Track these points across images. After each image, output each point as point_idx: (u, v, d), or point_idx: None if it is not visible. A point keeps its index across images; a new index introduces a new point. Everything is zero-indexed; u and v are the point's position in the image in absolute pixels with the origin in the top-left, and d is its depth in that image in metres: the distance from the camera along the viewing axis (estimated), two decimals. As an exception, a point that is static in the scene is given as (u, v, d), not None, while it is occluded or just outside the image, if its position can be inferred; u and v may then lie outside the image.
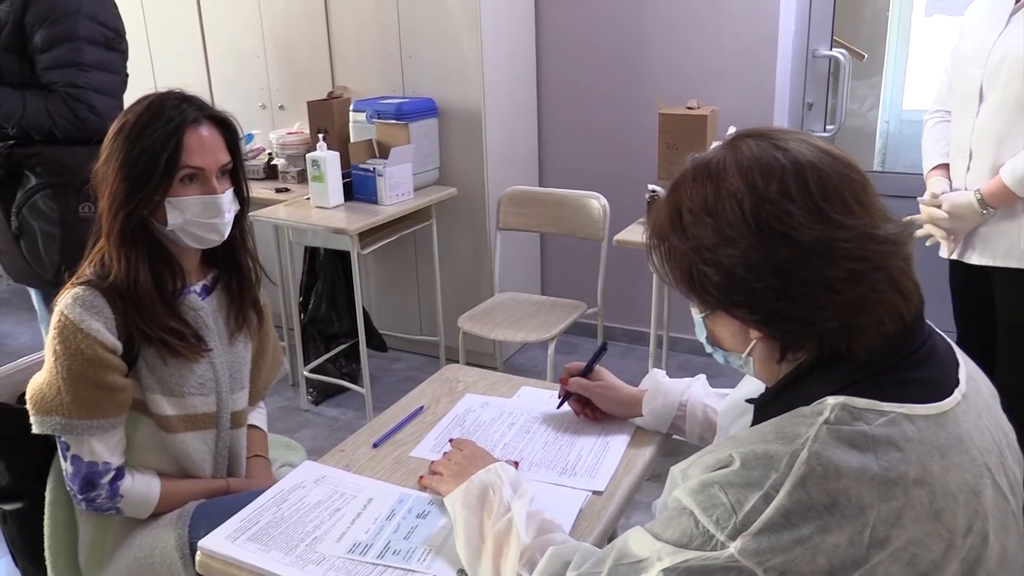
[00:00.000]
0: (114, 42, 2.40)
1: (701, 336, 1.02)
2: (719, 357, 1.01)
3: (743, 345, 0.94)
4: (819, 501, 0.78)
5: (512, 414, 1.54)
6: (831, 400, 0.84)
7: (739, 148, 0.89)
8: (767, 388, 0.98)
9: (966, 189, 2.08)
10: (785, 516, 0.79)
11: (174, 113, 1.40)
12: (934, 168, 2.21)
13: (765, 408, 0.95)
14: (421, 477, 1.33)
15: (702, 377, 1.47)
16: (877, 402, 0.83)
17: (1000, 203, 2.00)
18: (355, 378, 3.43)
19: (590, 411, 1.51)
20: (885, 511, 0.78)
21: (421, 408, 1.57)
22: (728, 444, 0.88)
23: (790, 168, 0.86)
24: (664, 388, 1.45)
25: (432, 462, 1.34)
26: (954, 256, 2.14)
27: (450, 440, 1.39)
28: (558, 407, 1.54)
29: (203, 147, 1.42)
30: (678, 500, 0.87)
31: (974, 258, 2.09)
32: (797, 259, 0.84)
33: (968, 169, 2.08)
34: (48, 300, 2.34)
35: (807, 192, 0.85)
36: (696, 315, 1.00)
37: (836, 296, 0.84)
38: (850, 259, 0.83)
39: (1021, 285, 2.05)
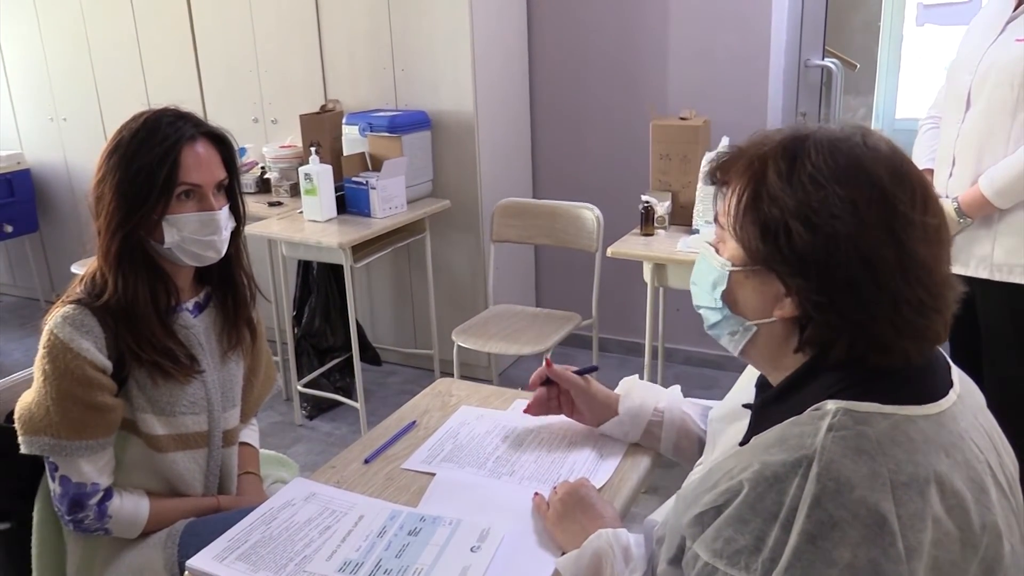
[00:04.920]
0: None
1: (706, 285, 0.96)
2: (711, 316, 0.97)
3: (759, 315, 0.92)
4: (839, 517, 0.76)
5: (506, 427, 1.52)
6: (831, 404, 0.83)
7: (872, 137, 0.88)
8: (764, 393, 0.96)
9: (947, 196, 2.07)
10: (810, 540, 0.76)
11: (170, 130, 1.39)
12: None
13: (767, 410, 0.93)
14: (536, 494, 1.28)
15: (676, 387, 1.45)
16: (878, 405, 0.82)
17: (977, 212, 1.99)
18: (349, 392, 3.41)
19: (557, 404, 1.46)
20: (906, 516, 0.77)
21: (413, 423, 1.56)
22: (733, 462, 0.85)
23: (919, 182, 0.86)
24: (641, 390, 1.42)
25: (536, 493, 1.29)
26: None
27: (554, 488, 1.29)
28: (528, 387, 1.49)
29: (200, 163, 1.41)
30: (698, 557, 0.85)
31: None
32: (890, 263, 0.83)
33: (951, 175, 2.07)
34: None
35: (929, 212, 0.85)
36: (719, 264, 0.94)
37: (895, 315, 0.83)
38: (925, 291, 0.84)
39: (994, 296, 2.03)
